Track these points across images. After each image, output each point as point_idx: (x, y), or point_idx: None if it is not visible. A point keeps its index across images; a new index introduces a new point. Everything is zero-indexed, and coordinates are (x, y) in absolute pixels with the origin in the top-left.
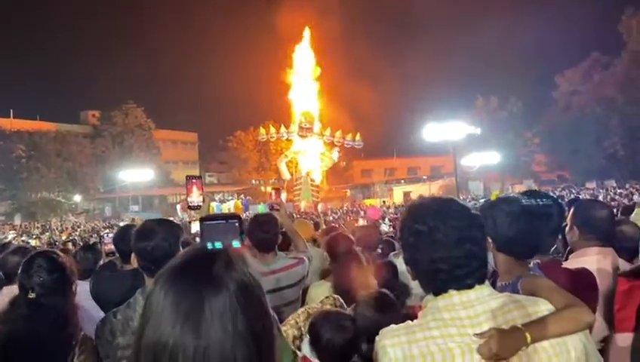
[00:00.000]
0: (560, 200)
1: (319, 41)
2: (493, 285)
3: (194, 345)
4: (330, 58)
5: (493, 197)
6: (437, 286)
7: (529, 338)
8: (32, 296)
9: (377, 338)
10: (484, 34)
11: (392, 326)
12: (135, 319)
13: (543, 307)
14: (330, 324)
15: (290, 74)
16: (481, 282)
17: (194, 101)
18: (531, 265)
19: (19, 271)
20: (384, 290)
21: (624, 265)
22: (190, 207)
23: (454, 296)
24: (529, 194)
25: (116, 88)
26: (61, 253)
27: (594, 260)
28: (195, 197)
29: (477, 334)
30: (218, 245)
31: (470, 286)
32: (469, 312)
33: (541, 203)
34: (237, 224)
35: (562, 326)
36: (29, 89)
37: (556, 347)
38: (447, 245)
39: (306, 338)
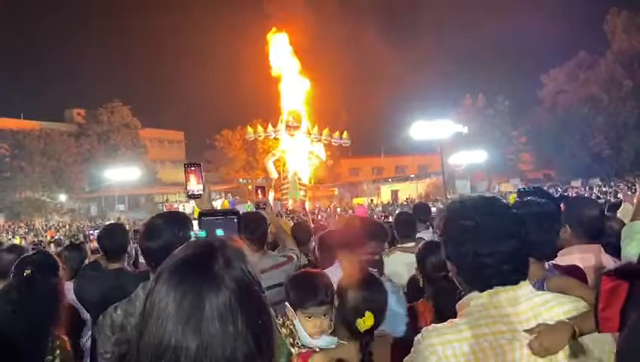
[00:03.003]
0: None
1: (307, 39)
2: None
3: (196, 344)
4: (319, 57)
5: (511, 201)
6: (482, 281)
7: (577, 332)
8: (27, 272)
9: (419, 337)
10: (471, 33)
11: (435, 325)
12: (135, 315)
13: (580, 303)
14: (301, 281)
15: (278, 73)
16: (524, 279)
17: (181, 100)
18: (546, 266)
19: (14, 267)
20: (371, 271)
21: (610, 262)
22: (189, 196)
23: (501, 293)
24: (534, 192)
25: (102, 86)
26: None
27: (582, 258)
28: (194, 186)
29: (527, 330)
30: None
31: (515, 282)
32: (517, 309)
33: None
34: (235, 220)
35: None
36: (12, 87)
37: (596, 339)
38: (494, 240)
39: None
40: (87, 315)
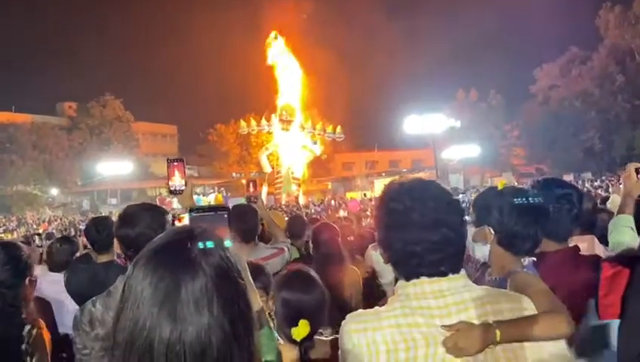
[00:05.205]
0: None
1: (301, 34)
2: (473, 278)
3: (170, 328)
4: (312, 52)
5: (500, 187)
6: (409, 270)
7: (498, 337)
8: None
9: (343, 322)
10: (464, 27)
11: (360, 311)
12: (114, 308)
13: (521, 305)
14: None
15: (272, 67)
16: (455, 271)
17: (174, 93)
18: (526, 262)
19: None
20: (301, 267)
21: (604, 252)
22: (171, 192)
23: (425, 284)
24: (545, 182)
25: (94, 80)
26: (21, 245)
27: (582, 248)
28: (177, 181)
29: (444, 326)
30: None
31: (443, 274)
32: (439, 302)
33: (561, 192)
34: (225, 215)
35: (536, 331)
36: (3, 79)
37: (527, 349)
38: (423, 227)
39: None
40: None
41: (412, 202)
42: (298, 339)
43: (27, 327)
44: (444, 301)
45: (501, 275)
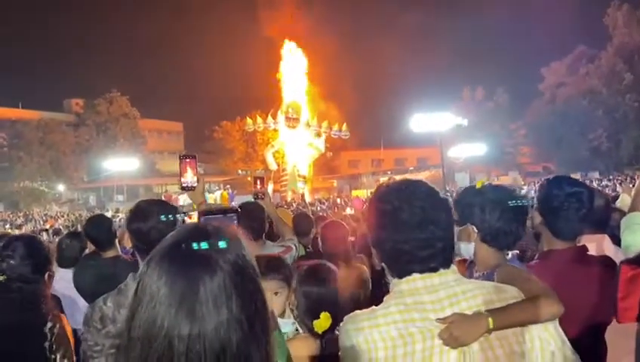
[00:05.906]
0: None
1: (306, 31)
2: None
3: (189, 327)
4: (318, 48)
5: (478, 185)
6: (400, 268)
7: (491, 324)
8: (1, 278)
9: (342, 323)
10: (471, 25)
11: (356, 311)
12: (127, 306)
13: (509, 294)
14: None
15: (278, 65)
16: (445, 266)
17: (179, 90)
18: (509, 256)
19: None
20: (322, 261)
21: (614, 251)
22: (184, 188)
23: (418, 280)
24: (556, 180)
25: (101, 77)
26: (41, 238)
27: (591, 247)
28: (189, 178)
29: (439, 319)
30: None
31: (434, 270)
32: (432, 297)
33: (570, 191)
34: (235, 218)
35: (527, 315)
36: (11, 76)
37: (519, 336)
38: (411, 226)
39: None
40: (85, 304)
41: (400, 202)
42: (320, 332)
43: (49, 324)
44: (437, 295)
45: (487, 270)
